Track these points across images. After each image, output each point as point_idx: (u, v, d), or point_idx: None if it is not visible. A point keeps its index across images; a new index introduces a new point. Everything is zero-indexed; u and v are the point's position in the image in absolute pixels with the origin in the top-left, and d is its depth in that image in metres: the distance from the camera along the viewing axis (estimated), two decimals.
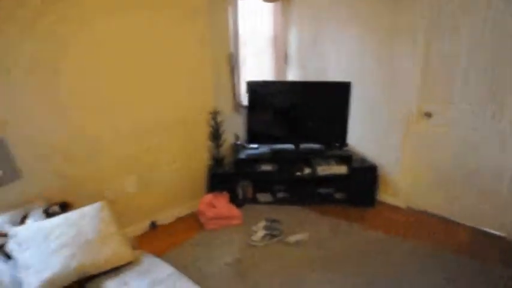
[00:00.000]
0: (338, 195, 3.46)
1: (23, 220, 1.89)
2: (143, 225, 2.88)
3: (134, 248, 1.94)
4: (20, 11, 1.95)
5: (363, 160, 3.43)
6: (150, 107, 2.77)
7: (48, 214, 1.97)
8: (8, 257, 1.69)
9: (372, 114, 3.39)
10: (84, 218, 1.81)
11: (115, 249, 1.75)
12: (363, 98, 3.41)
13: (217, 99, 3.30)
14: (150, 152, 2.84)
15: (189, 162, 3.19)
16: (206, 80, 3.19)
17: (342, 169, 3.35)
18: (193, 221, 3.05)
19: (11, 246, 1.68)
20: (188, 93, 3.05)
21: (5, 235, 1.74)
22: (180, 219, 3.11)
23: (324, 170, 3.36)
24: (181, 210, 3.16)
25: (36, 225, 1.75)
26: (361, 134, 3.51)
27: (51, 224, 1.75)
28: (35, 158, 2.12)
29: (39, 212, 1.95)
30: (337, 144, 3.50)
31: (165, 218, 3.03)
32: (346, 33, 3.43)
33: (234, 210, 3.04)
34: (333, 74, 3.61)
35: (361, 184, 3.31)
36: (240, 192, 3.34)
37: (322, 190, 3.50)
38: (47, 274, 1.53)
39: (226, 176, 3.24)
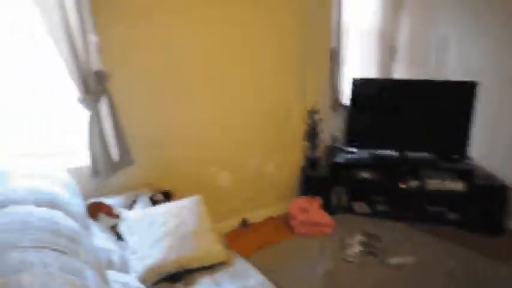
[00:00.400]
0: (451, 216, 2.95)
1: (132, 204, 2.04)
2: (233, 222, 2.89)
3: (226, 247, 1.92)
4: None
5: (489, 177, 2.84)
6: (245, 103, 2.76)
7: (153, 201, 2.09)
8: (119, 237, 1.84)
9: (506, 121, 2.77)
10: (184, 210, 1.86)
11: (211, 246, 1.75)
12: (493, 102, 2.81)
13: (315, 96, 3.12)
14: (244, 148, 2.83)
15: (282, 162, 3.10)
16: (303, 76, 3.04)
17: (458, 185, 2.83)
18: (283, 223, 2.96)
19: (121, 228, 1.81)
20: (284, 89, 2.95)
21: (117, 216, 1.90)
22: (270, 220, 3.05)
23: (436, 184, 2.89)
24: (272, 211, 3.10)
25: (143, 211, 1.86)
26: (488, 145, 2.91)
27: (156, 212, 1.84)
28: (145, 148, 2.29)
29: (146, 198, 2.08)
30: (454, 156, 2.97)
31: (254, 216, 3.01)
32: (476, 24, 2.87)
33: (326, 218, 2.85)
34: (452, 72, 3.07)
35: (485, 206, 2.74)
36: (334, 198, 3.12)
37: (431, 208, 3.03)
38: (150, 262, 1.59)
39: (320, 180, 3.05)
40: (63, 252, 1.11)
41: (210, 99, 2.57)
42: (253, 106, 2.81)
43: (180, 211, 1.85)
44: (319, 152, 3.20)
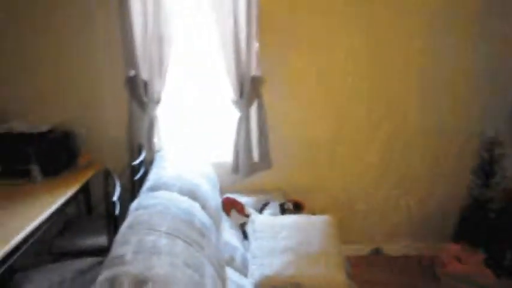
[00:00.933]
0: None
1: (263, 208, 2.07)
2: (363, 248, 2.59)
3: (348, 276, 1.70)
4: None
5: None
6: (398, 122, 2.41)
7: (283, 209, 2.06)
8: (245, 236, 1.89)
9: None
10: (311, 228, 1.76)
11: (332, 273, 1.59)
12: None
13: (498, 122, 2.44)
14: (392, 169, 2.49)
15: (437, 195, 2.57)
16: (480, 95, 2.40)
17: None
18: (422, 266, 2.47)
19: (248, 229, 1.86)
20: (451, 109, 2.41)
21: (248, 216, 1.96)
22: (406, 258, 2.58)
23: None
24: (411, 248, 2.62)
25: (271, 219, 1.85)
26: None
27: (283, 222, 1.80)
28: (284, 154, 2.28)
29: (276, 204, 2.08)
30: None
31: (389, 249, 2.61)
32: None
33: (489, 276, 2.21)
34: None
35: None
36: (509, 257, 2.37)
37: None
38: (267, 271, 1.56)
39: (489, 229, 2.38)
40: (191, 245, 1.18)
41: (363, 117, 2.35)
42: (399, 124, 2.43)
43: (307, 228, 1.75)
44: (493, 193, 2.49)
